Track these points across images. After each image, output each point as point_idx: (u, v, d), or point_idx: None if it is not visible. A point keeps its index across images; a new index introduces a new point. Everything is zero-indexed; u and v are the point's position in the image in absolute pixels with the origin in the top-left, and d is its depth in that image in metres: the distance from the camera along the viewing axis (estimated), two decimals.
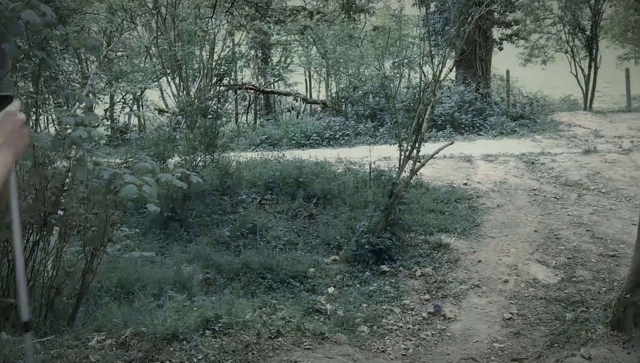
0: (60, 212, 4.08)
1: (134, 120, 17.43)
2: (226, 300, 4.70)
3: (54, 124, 11.36)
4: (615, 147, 11.15)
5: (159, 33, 12.32)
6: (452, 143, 7.97)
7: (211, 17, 9.99)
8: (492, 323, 5.03)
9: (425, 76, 7.54)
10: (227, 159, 8.78)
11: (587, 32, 19.09)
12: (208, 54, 10.26)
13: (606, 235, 6.83)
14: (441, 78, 7.35)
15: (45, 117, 11.83)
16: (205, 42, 10.33)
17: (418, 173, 7.44)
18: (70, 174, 4.12)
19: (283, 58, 19.48)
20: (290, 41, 18.47)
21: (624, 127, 13.45)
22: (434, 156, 7.47)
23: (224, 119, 10.01)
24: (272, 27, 11.32)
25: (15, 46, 3.61)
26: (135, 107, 17.02)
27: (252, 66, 18.45)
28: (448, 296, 5.57)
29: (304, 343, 4.04)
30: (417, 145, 6.96)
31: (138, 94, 15.95)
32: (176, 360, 3.57)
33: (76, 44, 4.24)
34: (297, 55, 19.77)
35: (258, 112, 18.16)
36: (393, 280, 5.94)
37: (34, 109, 4.86)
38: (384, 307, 5.31)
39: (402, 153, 7.03)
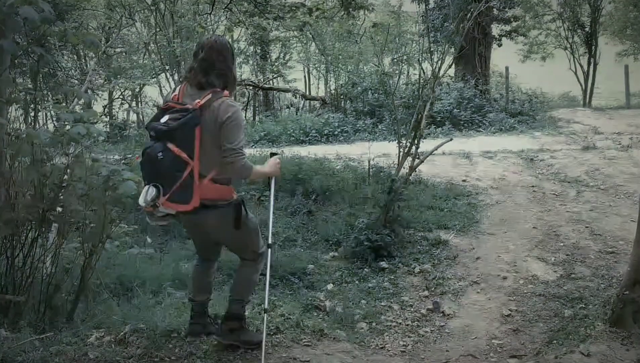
0: (59, 209, 4.08)
1: (133, 116, 17.41)
2: (225, 297, 4.69)
3: (52, 120, 11.34)
4: (614, 143, 11.16)
5: (158, 29, 12.29)
6: (451, 140, 7.95)
7: (210, 13, 9.97)
8: (491, 320, 5.03)
9: (424, 72, 7.52)
10: None
11: (587, 29, 19.11)
12: None
13: (605, 232, 6.82)
14: (440, 75, 7.34)
15: (44, 113, 11.80)
16: None
17: (417, 169, 7.43)
18: (68, 170, 4.12)
19: (282, 54, 19.48)
20: (289, 38, 18.46)
21: (623, 123, 13.47)
22: (433, 153, 7.46)
23: None
24: (271, 23, 11.29)
25: (14, 42, 3.60)
26: (134, 103, 17.01)
27: (251, 62, 18.45)
28: (447, 293, 5.57)
29: (303, 340, 4.04)
30: (416, 142, 6.95)
31: (137, 90, 15.93)
32: (175, 357, 3.57)
33: (75, 41, 4.23)
34: (296, 51, 19.76)
35: (257, 108, 18.16)
36: (392, 277, 5.93)
37: (32, 106, 4.85)
38: (382, 304, 5.30)
39: (401, 150, 7.02)
